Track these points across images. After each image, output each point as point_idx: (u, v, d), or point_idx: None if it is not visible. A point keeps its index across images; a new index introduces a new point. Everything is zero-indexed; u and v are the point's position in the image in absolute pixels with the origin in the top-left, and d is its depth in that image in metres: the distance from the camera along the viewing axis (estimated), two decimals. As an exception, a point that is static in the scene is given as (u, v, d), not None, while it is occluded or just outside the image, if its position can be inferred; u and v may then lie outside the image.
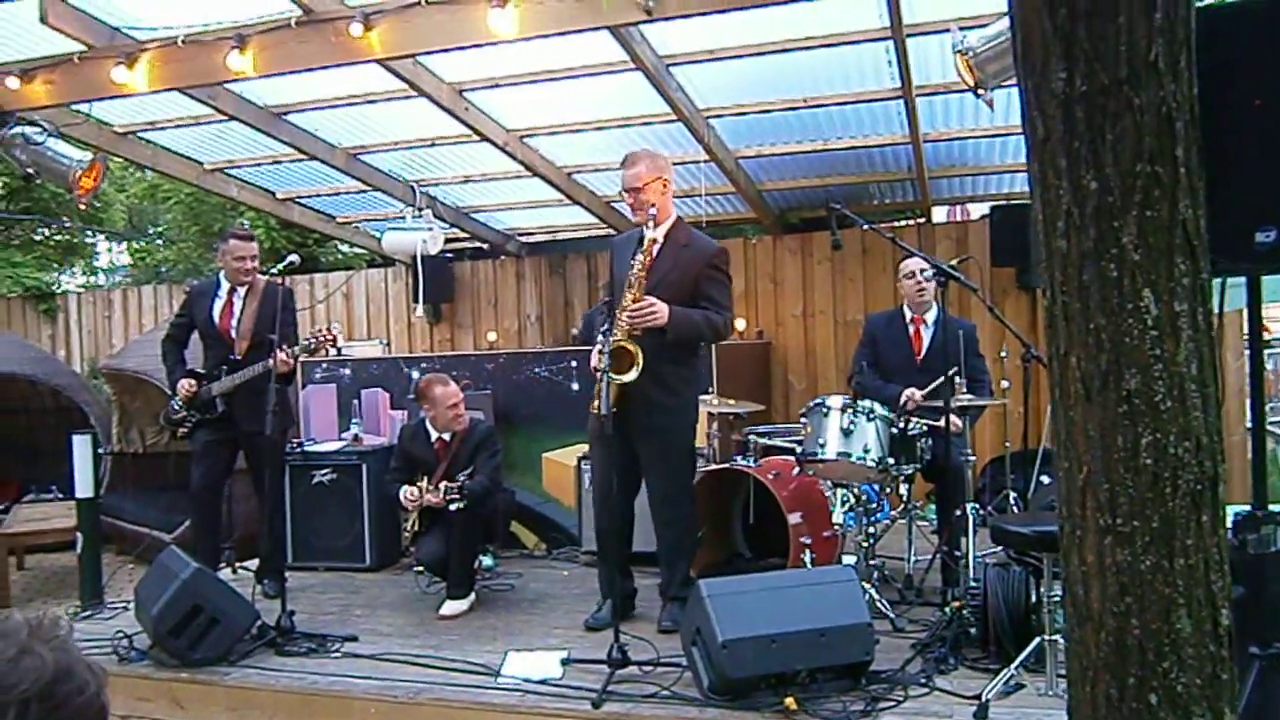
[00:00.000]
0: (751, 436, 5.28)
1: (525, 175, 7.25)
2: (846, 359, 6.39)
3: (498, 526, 5.13)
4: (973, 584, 4.08)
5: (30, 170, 5.75)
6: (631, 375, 4.02)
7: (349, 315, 9.44)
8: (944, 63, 5.19)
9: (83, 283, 14.22)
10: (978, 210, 8.87)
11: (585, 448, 5.59)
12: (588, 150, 6.96)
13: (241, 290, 5.17)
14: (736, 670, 3.28)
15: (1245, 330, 4.94)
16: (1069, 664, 2.01)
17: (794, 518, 4.53)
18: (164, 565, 4.24)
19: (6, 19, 5.06)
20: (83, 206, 6.54)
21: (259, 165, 7.47)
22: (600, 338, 4.13)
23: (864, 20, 5.07)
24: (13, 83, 5.35)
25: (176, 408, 5.11)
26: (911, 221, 8.71)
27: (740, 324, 7.75)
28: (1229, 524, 2.04)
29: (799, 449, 4.58)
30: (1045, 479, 5.49)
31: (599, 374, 4.01)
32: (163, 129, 6.71)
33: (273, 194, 8.13)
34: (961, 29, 4.46)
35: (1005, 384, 5.27)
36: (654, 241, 4.12)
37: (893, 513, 5.26)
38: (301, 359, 5.20)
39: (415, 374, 6.27)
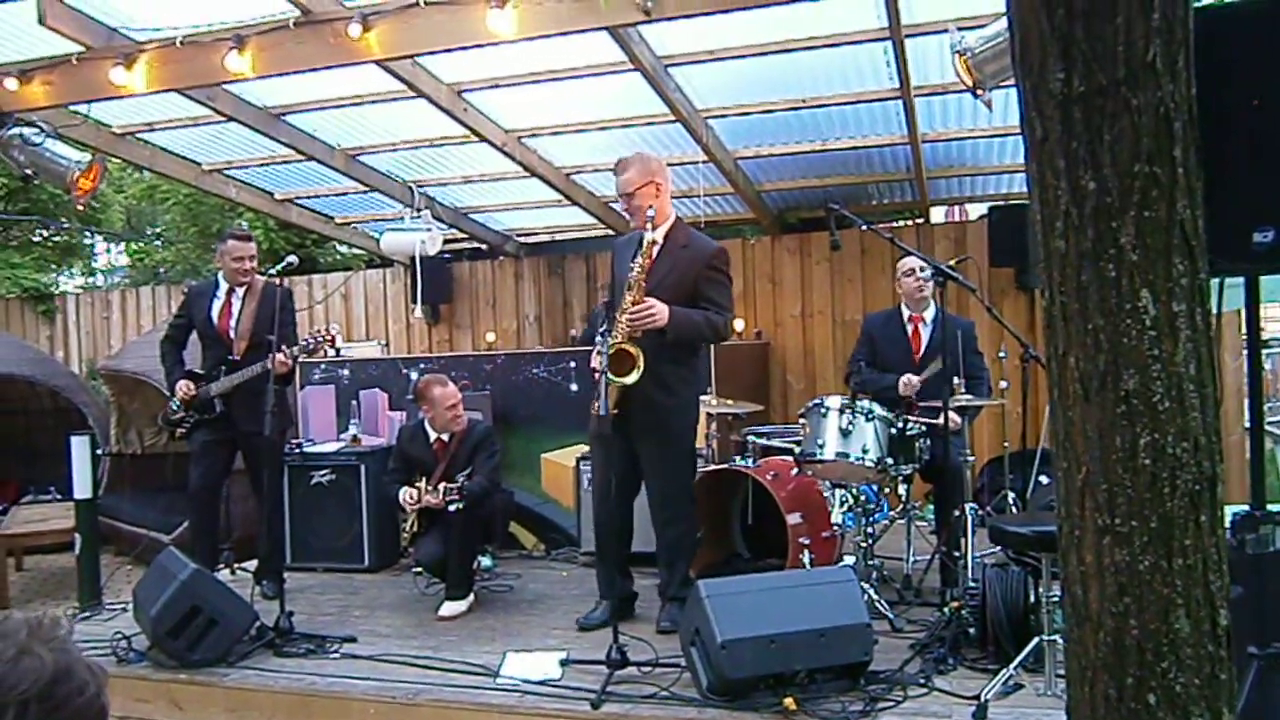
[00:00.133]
0: (750, 437, 5.28)
1: (524, 176, 7.26)
2: (845, 359, 6.38)
3: (496, 527, 5.13)
4: (971, 584, 4.08)
5: (28, 171, 5.75)
6: (633, 377, 4.02)
7: (347, 316, 9.44)
8: (942, 63, 5.19)
9: (81, 284, 14.22)
10: (976, 210, 8.88)
11: (584, 448, 5.60)
12: (586, 151, 6.97)
13: (240, 291, 5.16)
14: (735, 671, 3.28)
15: (1243, 330, 4.94)
16: (1067, 664, 2.01)
17: (793, 518, 4.53)
18: (162, 566, 4.24)
19: (4, 20, 5.06)
20: (81, 207, 6.54)
21: (257, 166, 7.47)
22: (599, 339, 4.14)
23: (862, 20, 5.07)
24: (11, 83, 5.35)
25: (175, 408, 5.10)
26: (910, 222, 8.72)
27: (739, 324, 7.75)
28: (1227, 524, 2.04)
29: (797, 449, 4.58)
30: (1044, 479, 5.49)
31: (598, 375, 4.01)
32: (161, 130, 6.72)
33: (271, 195, 8.13)
34: (960, 29, 4.46)
35: (1004, 384, 5.28)
36: (653, 243, 4.12)
37: (891, 513, 5.27)
38: (300, 359, 5.20)
39: (414, 375, 6.27)
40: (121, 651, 4.12)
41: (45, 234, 11.77)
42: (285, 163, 7.33)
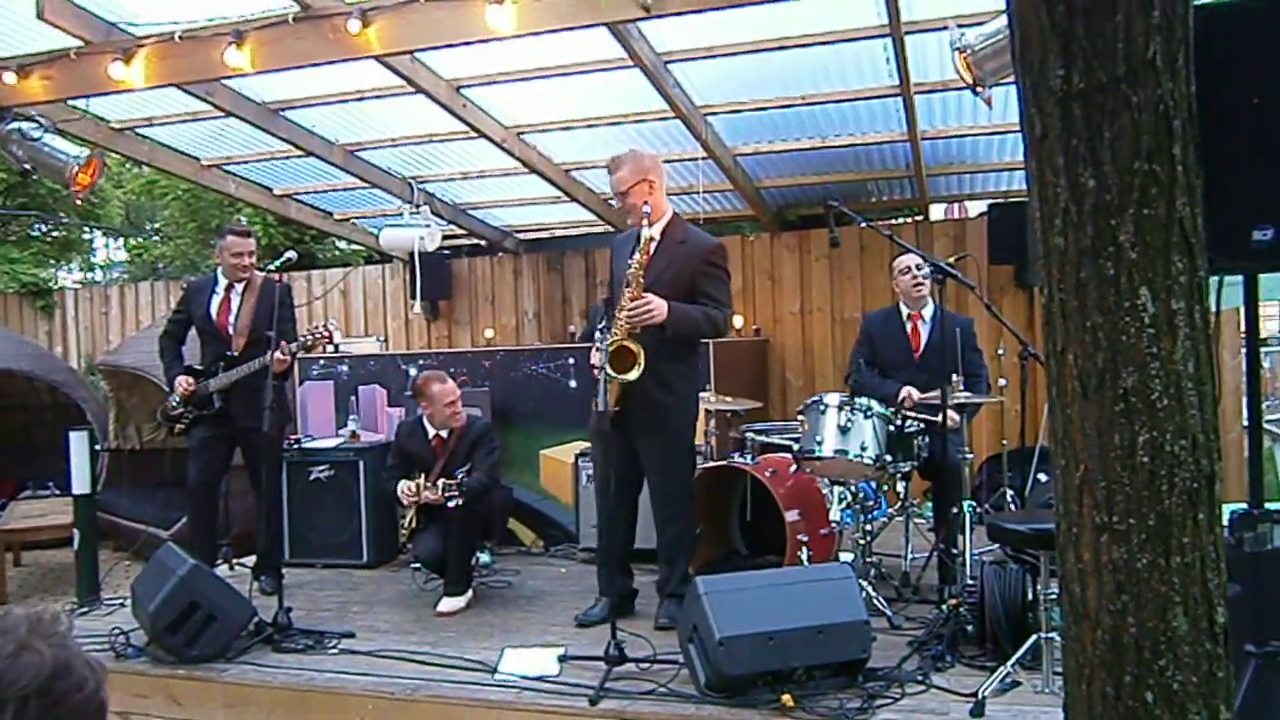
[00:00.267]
0: (749, 434, 5.28)
1: (523, 172, 7.25)
2: (844, 356, 6.39)
3: (495, 523, 5.13)
4: (969, 581, 4.08)
5: (27, 166, 5.74)
6: (633, 374, 4.02)
7: (346, 312, 9.43)
8: (942, 60, 5.19)
9: (80, 279, 14.21)
10: (975, 208, 8.87)
11: (583, 445, 5.60)
12: (585, 147, 6.96)
13: (239, 286, 5.16)
14: (733, 667, 3.28)
15: (1242, 328, 4.94)
16: (1065, 661, 2.01)
17: (791, 515, 4.53)
18: (161, 562, 4.24)
19: (3, 14, 5.05)
20: (79, 202, 6.54)
21: (256, 161, 7.47)
22: (599, 335, 4.14)
23: (862, 17, 5.07)
24: (9, 78, 5.34)
25: (174, 404, 5.10)
26: (909, 219, 8.72)
27: (738, 321, 7.75)
28: (1225, 522, 2.04)
29: (796, 446, 4.58)
30: (1042, 476, 5.49)
31: (598, 372, 4.02)
32: (160, 125, 6.71)
33: (270, 190, 8.12)
34: (960, 26, 4.46)
35: (1003, 381, 5.28)
36: (650, 240, 4.12)
37: (890, 510, 5.27)
38: (298, 355, 5.19)
39: (413, 371, 6.27)
40: (120, 647, 4.12)
41: (44, 229, 11.77)
42: (284, 158, 7.32)
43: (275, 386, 4.60)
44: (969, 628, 3.82)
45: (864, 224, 4.75)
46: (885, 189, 7.99)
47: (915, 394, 4.63)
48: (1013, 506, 5.16)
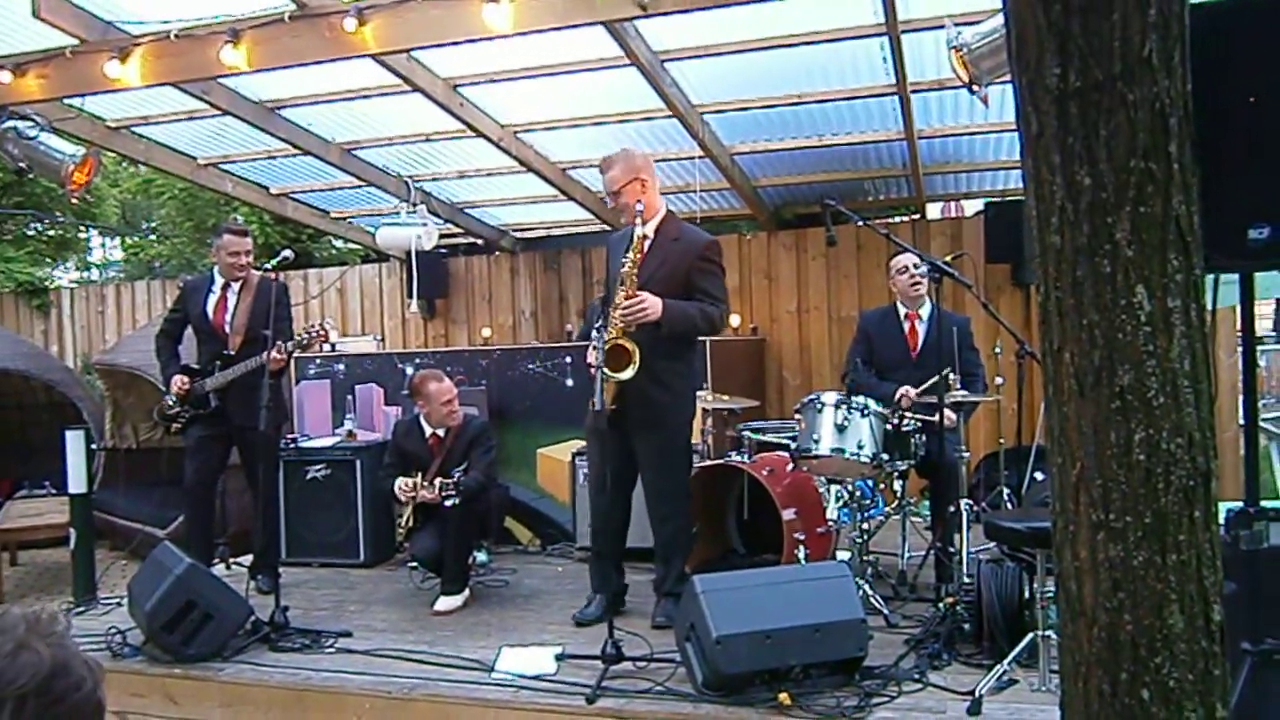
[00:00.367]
0: (746, 432, 5.28)
1: (520, 171, 7.25)
2: (841, 355, 6.39)
3: (492, 522, 5.13)
4: (966, 580, 4.09)
5: (23, 165, 5.73)
6: (629, 373, 4.02)
7: (343, 311, 9.43)
8: (939, 59, 5.19)
9: (76, 278, 14.18)
10: (972, 206, 8.88)
11: (580, 443, 5.60)
12: (582, 146, 6.96)
13: (235, 285, 5.15)
14: (731, 666, 3.28)
15: (1238, 327, 4.95)
16: (1062, 659, 2.01)
17: (788, 514, 4.54)
18: (157, 561, 4.24)
19: (-1, 12, 5.05)
20: (75, 201, 6.53)
21: (253, 160, 7.46)
22: (595, 334, 4.14)
23: (859, 16, 5.07)
24: (5, 76, 5.33)
25: (170, 403, 5.09)
26: (906, 218, 8.72)
27: (734, 320, 7.74)
28: (1221, 520, 2.04)
29: (793, 445, 4.58)
30: (1039, 475, 5.50)
31: (594, 370, 4.02)
32: (156, 124, 6.70)
33: (267, 189, 8.11)
34: (956, 25, 4.46)
35: (999, 380, 5.29)
36: (644, 238, 4.12)
37: (887, 509, 5.27)
38: (295, 354, 5.19)
39: (409, 370, 6.26)
40: (116, 646, 4.11)
41: (40, 228, 11.74)
42: (281, 157, 7.31)
43: (272, 385, 4.61)
44: (966, 626, 3.82)
45: (861, 223, 4.75)
46: (882, 188, 7.99)
47: (912, 393, 4.64)
48: (1009, 505, 5.18)
